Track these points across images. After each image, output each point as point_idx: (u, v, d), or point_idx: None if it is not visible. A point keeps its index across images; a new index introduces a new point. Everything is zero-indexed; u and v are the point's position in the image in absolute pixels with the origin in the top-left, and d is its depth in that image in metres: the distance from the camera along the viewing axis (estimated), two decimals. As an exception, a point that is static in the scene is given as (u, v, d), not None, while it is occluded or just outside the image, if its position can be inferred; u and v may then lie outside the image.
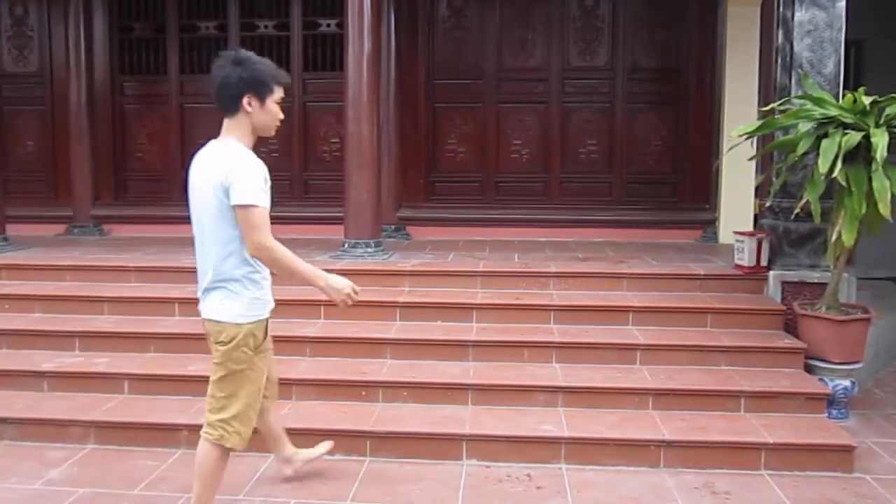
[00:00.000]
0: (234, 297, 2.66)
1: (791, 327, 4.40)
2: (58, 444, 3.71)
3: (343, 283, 2.72)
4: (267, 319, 2.77)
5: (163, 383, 4.08)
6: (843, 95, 4.16)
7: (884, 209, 3.70)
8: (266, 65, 2.70)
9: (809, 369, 4.13)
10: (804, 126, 4.05)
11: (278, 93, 2.70)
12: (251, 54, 2.71)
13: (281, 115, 2.75)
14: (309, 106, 7.25)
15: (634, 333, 4.42)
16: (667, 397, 3.87)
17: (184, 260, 5.45)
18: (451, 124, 7.19)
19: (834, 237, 3.97)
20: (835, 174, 3.72)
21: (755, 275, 4.76)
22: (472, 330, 4.47)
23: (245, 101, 2.63)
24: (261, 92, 2.65)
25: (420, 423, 3.71)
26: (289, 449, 3.29)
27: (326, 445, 3.38)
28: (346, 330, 4.42)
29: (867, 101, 3.90)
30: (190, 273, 5.11)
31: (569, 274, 5.02)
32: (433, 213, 6.99)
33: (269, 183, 2.65)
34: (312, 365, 4.22)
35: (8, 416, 3.83)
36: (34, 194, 7.43)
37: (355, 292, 2.74)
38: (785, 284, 4.62)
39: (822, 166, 3.71)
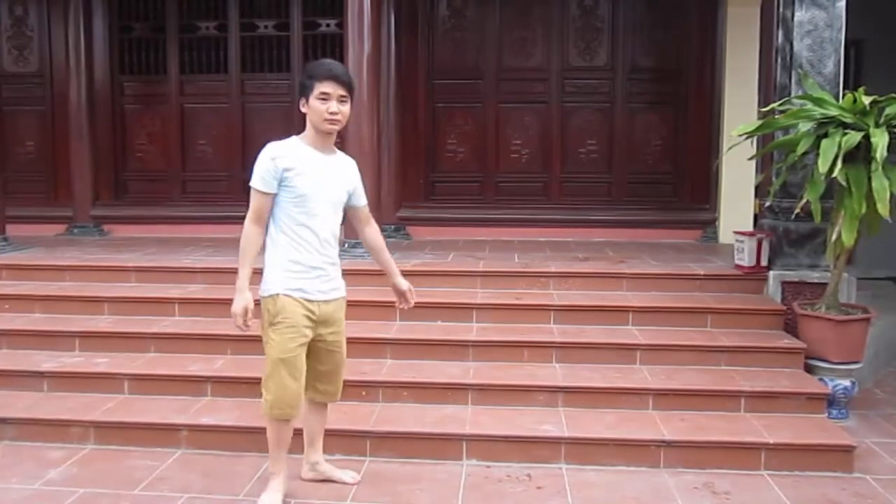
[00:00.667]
0: (263, 274, 2.99)
1: (791, 327, 4.40)
2: (58, 444, 3.71)
3: (237, 310, 2.88)
4: (277, 296, 2.92)
5: (163, 383, 4.08)
6: (843, 95, 4.16)
7: (882, 209, 3.70)
8: (311, 66, 2.99)
9: (809, 369, 4.13)
10: (804, 126, 4.05)
11: (318, 88, 2.89)
12: (315, 61, 3.07)
13: (325, 110, 2.88)
14: (309, 106, 7.26)
15: (634, 333, 4.42)
16: (667, 397, 3.87)
17: (184, 260, 5.47)
18: (451, 124, 7.18)
19: (834, 237, 3.97)
20: (835, 174, 3.72)
21: (755, 275, 4.76)
22: (472, 330, 4.47)
23: (300, 102, 2.95)
24: (304, 92, 2.93)
25: (420, 423, 3.71)
26: (317, 455, 3.29)
27: (352, 477, 3.32)
28: (346, 330, 4.41)
29: (867, 101, 3.90)
30: (189, 273, 5.18)
31: (569, 274, 5.02)
32: (433, 213, 6.99)
33: (291, 170, 2.87)
34: (312, 365, 4.21)
35: (8, 416, 3.82)
36: (34, 194, 7.42)
37: (246, 325, 2.90)
38: (785, 284, 4.61)
39: (822, 166, 3.71)
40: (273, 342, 2.93)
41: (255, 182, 2.89)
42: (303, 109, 2.94)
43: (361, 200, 3.19)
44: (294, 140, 2.97)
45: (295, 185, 2.88)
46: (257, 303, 2.95)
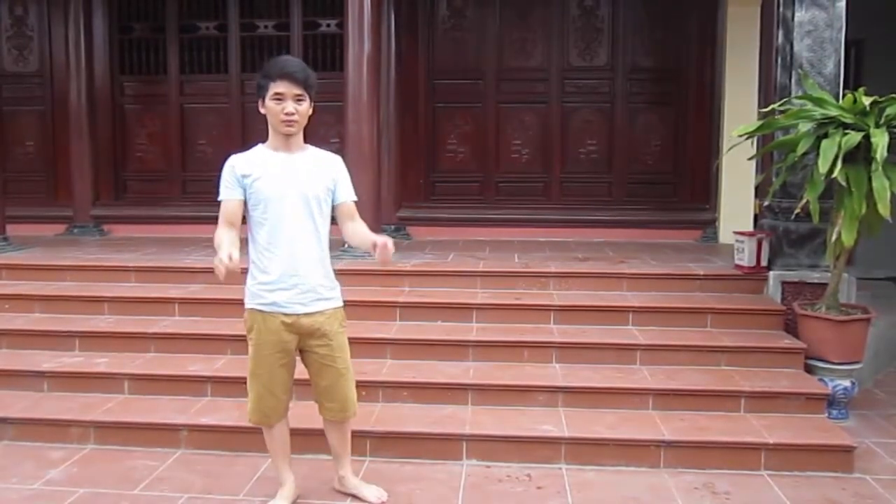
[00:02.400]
0: None
1: (791, 327, 4.40)
2: (58, 444, 3.71)
3: (218, 257, 2.55)
4: (251, 311, 2.91)
5: (163, 383, 4.08)
6: (843, 95, 4.16)
7: (883, 209, 3.70)
8: (266, 64, 2.85)
9: (809, 369, 4.13)
10: (804, 126, 4.05)
11: (273, 89, 2.76)
12: (272, 59, 2.89)
13: (280, 111, 2.76)
14: (309, 106, 7.27)
15: (634, 333, 4.42)
16: (667, 397, 3.87)
17: (184, 260, 5.47)
18: (451, 124, 7.19)
19: (834, 237, 3.97)
20: (835, 174, 3.71)
21: (755, 275, 4.76)
22: (472, 330, 4.47)
23: (258, 103, 2.85)
24: (260, 94, 2.82)
25: (420, 423, 3.71)
26: (342, 470, 3.21)
27: (377, 497, 3.17)
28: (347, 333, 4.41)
29: (867, 101, 3.90)
30: (189, 273, 5.18)
31: (569, 274, 5.02)
32: (433, 213, 6.99)
33: (249, 176, 2.80)
34: (312, 365, 4.21)
35: (8, 416, 3.82)
36: (34, 194, 7.43)
37: (227, 262, 2.51)
38: (785, 284, 4.61)
39: (822, 166, 3.70)
40: (250, 355, 2.93)
41: (221, 193, 2.82)
42: (261, 111, 2.83)
43: (344, 196, 2.95)
44: (257, 147, 2.89)
45: (254, 189, 2.79)
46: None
